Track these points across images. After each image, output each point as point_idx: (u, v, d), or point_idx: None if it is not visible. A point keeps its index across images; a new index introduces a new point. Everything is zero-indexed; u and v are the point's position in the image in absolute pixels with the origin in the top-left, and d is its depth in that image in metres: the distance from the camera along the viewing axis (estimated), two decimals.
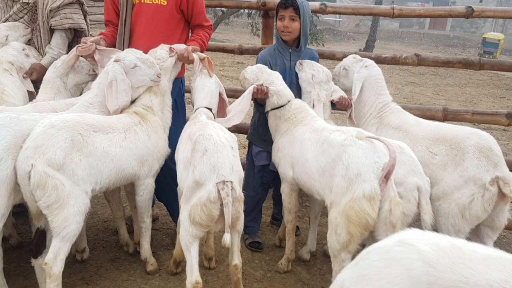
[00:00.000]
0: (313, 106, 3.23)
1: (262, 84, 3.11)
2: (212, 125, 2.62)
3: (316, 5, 3.93)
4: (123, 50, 3.33)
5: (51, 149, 2.40)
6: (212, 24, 3.56)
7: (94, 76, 3.40)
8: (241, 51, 4.29)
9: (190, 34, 3.53)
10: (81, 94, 3.51)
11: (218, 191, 2.32)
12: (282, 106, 3.14)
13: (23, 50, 3.48)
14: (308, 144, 2.85)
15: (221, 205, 2.34)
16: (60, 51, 3.66)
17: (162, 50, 3.17)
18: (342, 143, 2.58)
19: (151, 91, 3.08)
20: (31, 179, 2.36)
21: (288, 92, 3.18)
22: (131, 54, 2.99)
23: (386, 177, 2.43)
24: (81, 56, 3.30)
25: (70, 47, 3.77)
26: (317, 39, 17.97)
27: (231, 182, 2.35)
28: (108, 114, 2.94)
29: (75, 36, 3.84)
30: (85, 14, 3.82)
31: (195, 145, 2.47)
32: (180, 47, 3.20)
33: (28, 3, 3.58)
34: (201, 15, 3.42)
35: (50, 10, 3.58)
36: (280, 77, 3.20)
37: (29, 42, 3.69)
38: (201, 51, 3.26)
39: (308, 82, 3.31)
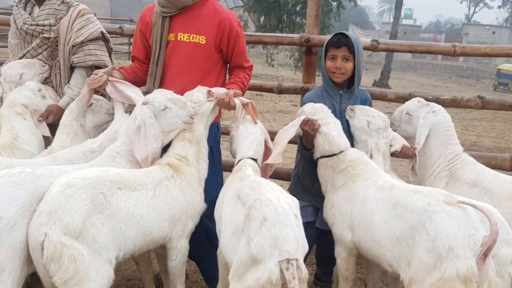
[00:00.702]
0: (371, 156, 2.80)
1: (315, 120, 2.76)
2: (268, 186, 2.19)
3: (367, 41, 3.54)
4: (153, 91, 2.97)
5: (68, 214, 2.02)
6: (252, 64, 3.18)
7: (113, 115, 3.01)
8: (281, 90, 3.89)
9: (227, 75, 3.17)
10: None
11: (281, 271, 1.87)
12: (334, 154, 2.74)
13: (39, 91, 3.12)
14: (374, 204, 2.44)
15: (283, 286, 1.88)
16: (79, 91, 3.28)
17: (199, 93, 2.79)
18: (426, 208, 2.16)
19: (185, 139, 2.67)
20: (45, 250, 1.98)
21: (341, 141, 2.78)
22: (160, 95, 2.63)
23: (485, 254, 1.99)
24: (94, 90, 2.92)
25: None
26: None
27: (297, 260, 1.91)
28: (137, 164, 2.57)
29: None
30: (110, 51, 3.47)
31: (250, 212, 2.03)
32: (220, 91, 2.82)
33: (48, 38, 3.24)
34: (241, 55, 3.07)
35: (73, 46, 3.23)
36: (340, 125, 2.81)
37: (46, 81, 3.33)
38: (242, 95, 2.86)
39: (363, 130, 2.91)
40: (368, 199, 2.47)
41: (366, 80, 18.91)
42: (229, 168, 3.13)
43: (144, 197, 2.34)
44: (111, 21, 22.08)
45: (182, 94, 2.81)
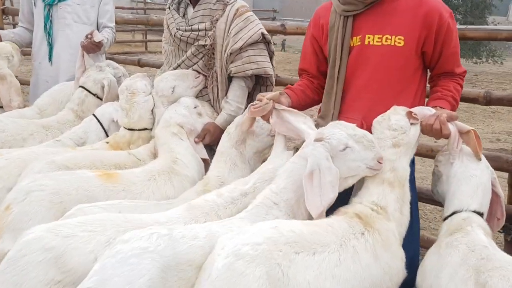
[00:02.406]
0: None
1: None
2: None
3: None
4: (332, 114, 2.31)
5: None
6: (465, 70, 2.32)
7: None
8: (490, 101, 2.91)
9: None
10: None
11: None
12: None
13: (195, 107, 2.70)
14: None
15: None
16: (238, 105, 2.80)
17: (398, 115, 2.05)
18: None
19: (385, 181, 1.95)
20: None
21: None
22: (339, 130, 1.97)
23: None
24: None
25: (250, 98, 2.89)
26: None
27: None
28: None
29: (256, 83, 2.94)
30: (271, 55, 2.90)
31: None
32: (424, 111, 2.05)
33: (204, 46, 2.78)
34: (452, 58, 2.25)
35: (231, 53, 2.73)
36: None
37: (201, 94, 2.90)
38: (457, 118, 2.04)
39: None
40: None
41: None
42: None
43: (327, 263, 1.68)
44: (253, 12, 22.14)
45: (368, 117, 2.15)
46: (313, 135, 2.00)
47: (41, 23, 3.57)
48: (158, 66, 4.13)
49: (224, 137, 2.47)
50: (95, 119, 2.92)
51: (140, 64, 5.06)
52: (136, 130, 2.74)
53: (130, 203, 2.03)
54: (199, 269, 1.58)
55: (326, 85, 2.37)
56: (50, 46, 3.58)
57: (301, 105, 2.44)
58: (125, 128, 2.75)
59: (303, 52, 2.56)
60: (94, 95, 3.12)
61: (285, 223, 1.76)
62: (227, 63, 2.76)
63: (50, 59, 3.61)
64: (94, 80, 3.12)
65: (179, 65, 2.89)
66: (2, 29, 4.70)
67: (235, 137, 2.41)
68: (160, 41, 3.26)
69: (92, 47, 3.26)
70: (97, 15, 3.67)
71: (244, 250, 1.52)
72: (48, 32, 3.55)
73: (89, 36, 3.23)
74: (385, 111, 2.08)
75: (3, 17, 5.39)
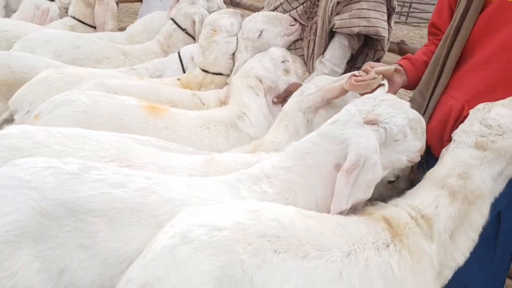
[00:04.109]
0: None
1: None
2: None
3: None
4: (433, 88, 1.76)
5: None
6: None
7: None
8: None
9: None
10: None
11: None
12: None
13: (283, 62, 2.25)
14: None
15: None
16: (334, 68, 2.28)
17: (505, 110, 1.49)
18: None
19: (444, 186, 1.47)
20: None
21: None
22: (399, 111, 1.52)
23: None
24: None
25: (353, 62, 2.36)
26: None
27: None
28: None
29: (365, 45, 2.38)
30: (390, 12, 2.29)
31: None
32: None
33: None
34: None
35: (338, 2, 2.19)
36: None
37: (294, 46, 2.43)
38: None
39: None
40: None
41: None
42: None
43: (320, 274, 1.19)
44: None
45: (474, 101, 1.61)
46: (355, 110, 1.49)
47: None
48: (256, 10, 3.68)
49: (295, 97, 2.00)
50: (177, 55, 2.68)
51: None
52: (210, 72, 2.44)
53: (160, 143, 1.71)
54: (116, 224, 1.24)
55: (438, 48, 1.77)
56: None
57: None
58: (200, 68, 2.45)
59: (439, 3, 1.96)
60: (183, 30, 2.85)
61: (271, 209, 1.28)
62: (331, 14, 2.24)
63: None
64: (185, 14, 2.85)
65: (276, 8, 2.47)
66: None
67: (309, 101, 1.92)
68: None
69: None
70: None
71: (195, 233, 1.12)
72: None
73: None
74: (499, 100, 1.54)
75: None
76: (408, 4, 15.84)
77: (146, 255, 1.12)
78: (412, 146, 1.55)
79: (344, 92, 1.85)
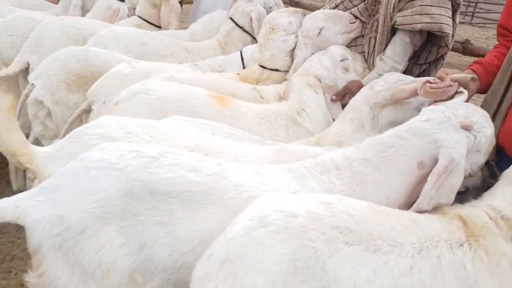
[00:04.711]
0: None
1: None
2: None
3: None
4: (506, 90, 1.73)
5: (249, 273, 1.18)
6: None
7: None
8: None
9: None
10: None
11: None
12: None
13: (342, 60, 2.28)
14: None
15: None
16: (395, 65, 2.27)
17: None
18: None
19: None
20: None
21: None
22: (489, 122, 1.60)
23: None
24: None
25: (416, 59, 2.35)
26: None
27: None
28: None
29: (428, 41, 2.33)
30: (456, 8, 2.25)
31: None
32: None
33: None
34: None
35: (400, 0, 2.17)
36: None
37: (355, 43, 2.43)
38: None
39: None
40: None
41: None
42: None
43: (390, 268, 1.21)
44: None
45: None
46: (450, 113, 1.50)
47: None
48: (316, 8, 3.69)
49: (363, 91, 2.03)
50: (239, 53, 2.78)
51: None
52: (267, 68, 2.51)
53: (229, 130, 1.82)
54: (190, 205, 1.34)
55: (511, 49, 1.71)
56: None
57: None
58: (258, 64, 2.52)
59: (508, 3, 1.91)
60: (241, 28, 2.93)
61: (345, 203, 1.31)
62: (393, 10, 2.24)
63: None
64: (242, 12, 2.93)
65: (337, 6, 2.49)
66: None
67: (377, 97, 1.94)
68: None
69: None
70: None
71: (272, 217, 1.19)
72: None
73: None
74: None
75: None
76: (474, 4, 15.15)
77: (227, 233, 1.20)
78: (477, 159, 1.59)
79: (414, 94, 1.87)
